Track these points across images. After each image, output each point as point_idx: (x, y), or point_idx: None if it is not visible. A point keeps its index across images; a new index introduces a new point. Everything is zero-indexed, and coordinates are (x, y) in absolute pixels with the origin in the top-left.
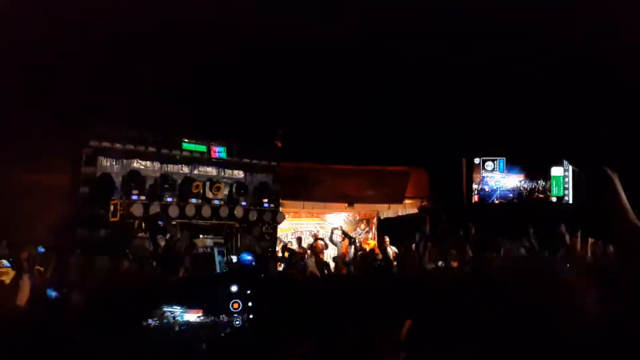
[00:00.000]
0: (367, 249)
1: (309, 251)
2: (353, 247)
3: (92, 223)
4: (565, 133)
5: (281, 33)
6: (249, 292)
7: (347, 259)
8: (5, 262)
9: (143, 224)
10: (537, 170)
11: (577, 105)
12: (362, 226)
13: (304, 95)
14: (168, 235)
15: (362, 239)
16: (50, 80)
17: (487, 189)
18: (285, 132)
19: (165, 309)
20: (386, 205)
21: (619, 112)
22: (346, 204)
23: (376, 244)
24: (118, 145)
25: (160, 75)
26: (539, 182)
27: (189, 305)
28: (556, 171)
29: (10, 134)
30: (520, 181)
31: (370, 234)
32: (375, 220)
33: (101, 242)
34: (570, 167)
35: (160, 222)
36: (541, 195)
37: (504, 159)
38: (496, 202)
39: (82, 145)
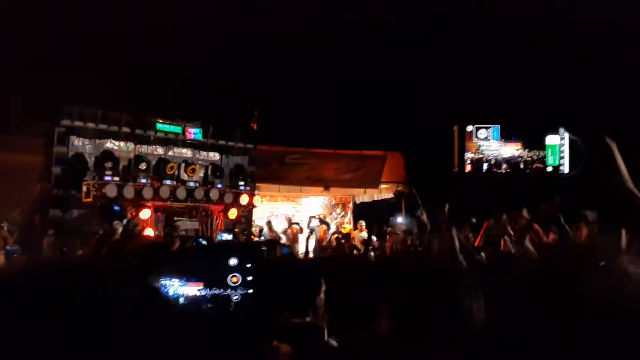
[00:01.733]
0: (343, 233)
1: (282, 235)
2: (330, 232)
3: (64, 203)
4: (562, 100)
5: (261, 18)
6: (248, 265)
7: (324, 243)
8: None
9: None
10: (533, 138)
11: (575, 72)
12: (338, 210)
13: (281, 78)
14: (125, 220)
15: (338, 224)
16: (24, 59)
17: (482, 158)
18: (262, 114)
19: (164, 281)
20: (362, 190)
21: (618, 79)
22: (322, 188)
23: (351, 229)
24: (91, 125)
25: (136, 55)
26: (539, 151)
27: (188, 277)
28: (551, 139)
29: None
30: (518, 150)
31: (347, 218)
32: (351, 205)
33: (74, 222)
34: (567, 136)
35: (115, 208)
36: (540, 165)
37: (499, 126)
38: (493, 171)
39: (54, 124)
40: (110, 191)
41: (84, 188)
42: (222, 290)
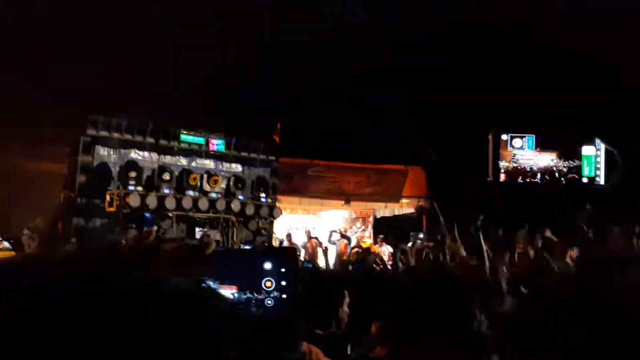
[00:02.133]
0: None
1: (302, 249)
2: (350, 246)
3: (88, 212)
4: (599, 111)
5: (284, 31)
6: (283, 270)
7: (344, 257)
8: (6, 243)
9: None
10: (568, 148)
11: (612, 84)
12: (358, 224)
13: (304, 92)
14: (155, 227)
15: (359, 237)
16: (51, 68)
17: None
18: (285, 127)
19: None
20: (383, 204)
21: None
22: (343, 202)
23: (371, 244)
24: (116, 135)
25: (161, 67)
26: (574, 161)
27: (223, 280)
28: (587, 150)
29: (10, 123)
30: (553, 159)
31: (367, 232)
32: (371, 219)
33: (97, 231)
34: (603, 146)
35: (147, 215)
36: (576, 176)
37: (534, 136)
38: (528, 181)
39: (80, 133)
40: (134, 201)
41: (108, 197)
42: (255, 294)
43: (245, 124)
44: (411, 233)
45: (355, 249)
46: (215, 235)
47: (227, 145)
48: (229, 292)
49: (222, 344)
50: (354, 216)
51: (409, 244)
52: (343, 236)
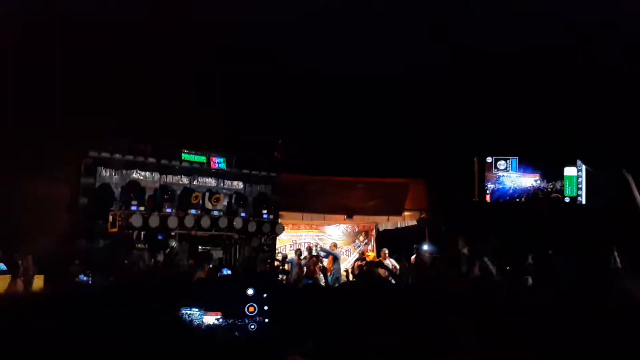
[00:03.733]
0: (367, 261)
1: (304, 267)
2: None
3: (91, 233)
4: (580, 133)
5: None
6: (265, 295)
7: (328, 273)
8: (2, 265)
9: (142, 237)
10: (551, 169)
11: (592, 106)
12: (361, 238)
13: (304, 107)
14: (167, 250)
15: (361, 252)
16: (51, 91)
17: (502, 188)
18: (285, 143)
19: (184, 311)
20: (385, 217)
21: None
22: (345, 216)
23: (375, 256)
24: (117, 156)
25: (161, 86)
26: (557, 182)
27: (207, 307)
28: (569, 171)
29: (11, 144)
30: (536, 180)
31: (370, 245)
32: (374, 232)
33: (100, 252)
34: (584, 167)
35: (159, 237)
36: (560, 196)
37: (517, 158)
38: (515, 201)
39: (82, 156)
40: (136, 221)
41: (110, 218)
42: (239, 320)
43: (247, 140)
44: (414, 245)
45: (358, 263)
46: (218, 253)
47: (229, 163)
48: (213, 318)
49: None
50: (356, 230)
51: (413, 257)
52: (328, 253)
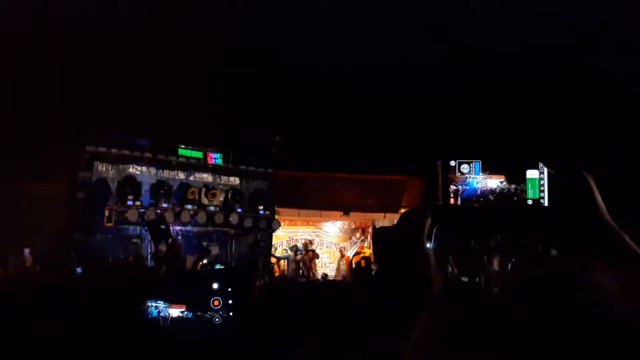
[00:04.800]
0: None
1: (300, 263)
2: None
3: (87, 228)
4: (541, 136)
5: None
6: (229, 289)
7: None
8: None
9: (146, 229)
10: (514, 173)
11: (552, 108)
12: (358, 235)
13: (301, 104)
14: (170, 240)
15: (359, 248)
16: (48, 87)
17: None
18: (282, 139)
19: (149, 303)
20: (382, 215)
21: (596, 115)
22: (342, 213)
23: (371, 253)
24: (114, 151)
25: (158, 81)
26: (521, 185)
27: (172, 300)
28: (532, 174)
29: (9, 141)
30: (502, 182)
31: (366, 242)
32: (370, 229)
33: (97, 246)
34: (546, 170)
35: (162, 227)
36: (524, 197)
37: (480, 161)
38: (478, 202)
39: (79, 151)
40: (132, 216)
41: (107, 212)
42: (204, 313)
43: (243, 136)
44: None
45: (355, 258)
46: (214, 248)
47: (225, 159)
48: (177, 310)
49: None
50: (353, 227)
51: None
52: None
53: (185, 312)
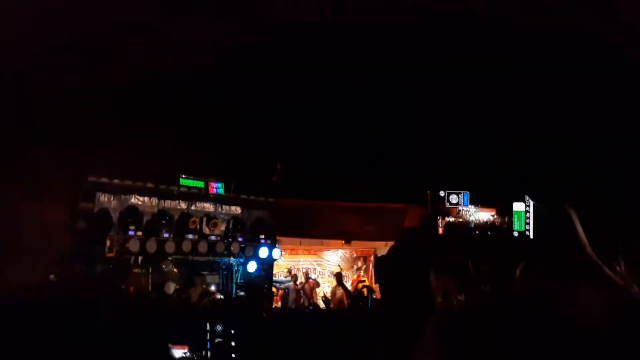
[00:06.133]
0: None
1: (301, 292)
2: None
3: (89, 258)
4: (527, 170)
5: (281, 71)
6: (232, 332)
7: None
8: None
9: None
10: (504, 205)
11: (540, 143)
12: (359, 263)
13: (301, 133)
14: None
15: (360, 277)
16: (50, 114)
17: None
18: (283, 168)
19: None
20: (383, 243)
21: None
22: (343, 241)
23: (372, 282)
24: (116, 181)
25: (160, 112)
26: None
27: (175, 340)
28: (518, 206)
29: (9, 168)
30: (493, 215)
31: (362, 271)
32: (372, 258)
33: (98, 277)
34: (532, 203)
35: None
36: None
37: (468, 192)
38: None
39: (81, 181)
40: (133, 246)
41: (108, 243)
42: (206, 354)
43: (245, 165)
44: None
45: (357, 285)
46: (215, 278)
47: (227, 188)
48: (180, 351)
49: None
50: (355, 255)
51: None
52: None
53: (188, 353)
